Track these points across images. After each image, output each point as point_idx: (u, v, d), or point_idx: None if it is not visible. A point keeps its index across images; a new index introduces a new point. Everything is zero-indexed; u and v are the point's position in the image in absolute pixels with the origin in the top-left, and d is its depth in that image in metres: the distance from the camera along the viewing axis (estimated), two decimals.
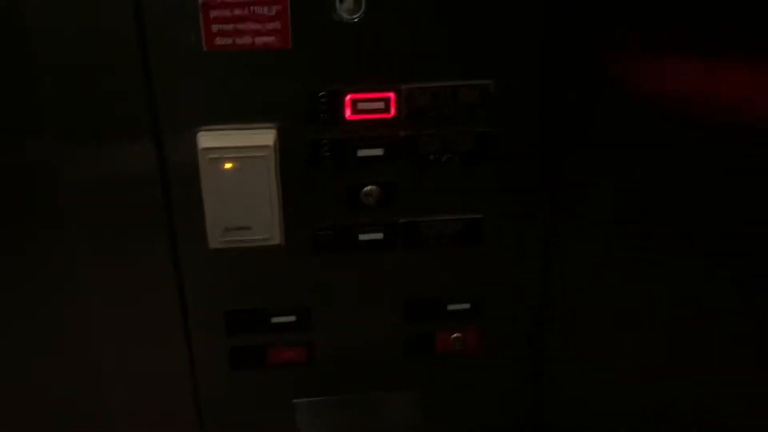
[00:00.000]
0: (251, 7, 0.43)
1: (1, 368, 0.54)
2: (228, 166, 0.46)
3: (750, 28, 0.45)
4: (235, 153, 0.46)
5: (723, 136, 0.47)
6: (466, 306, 0.56)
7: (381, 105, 0.47)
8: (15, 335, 0.53)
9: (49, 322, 0.53)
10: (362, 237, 0.52)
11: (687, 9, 0.45)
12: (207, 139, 0.46)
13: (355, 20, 0.44)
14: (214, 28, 0.44)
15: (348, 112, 0.47)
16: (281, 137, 0.47)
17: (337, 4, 0.43)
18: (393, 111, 0.48)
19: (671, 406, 0.61)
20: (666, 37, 0.47)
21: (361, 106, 0.47)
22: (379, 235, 0.52)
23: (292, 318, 0.55)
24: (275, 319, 0.54)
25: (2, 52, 0.44)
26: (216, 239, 0.49)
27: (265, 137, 0.47)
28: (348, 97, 0.47)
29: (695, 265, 0.54)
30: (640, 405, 0.61)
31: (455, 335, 0.57)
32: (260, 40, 0.44)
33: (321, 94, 0.47)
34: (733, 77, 0.48)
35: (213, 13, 0.43)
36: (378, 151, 0.49)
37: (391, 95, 0.47)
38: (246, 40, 0.44)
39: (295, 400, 0.59)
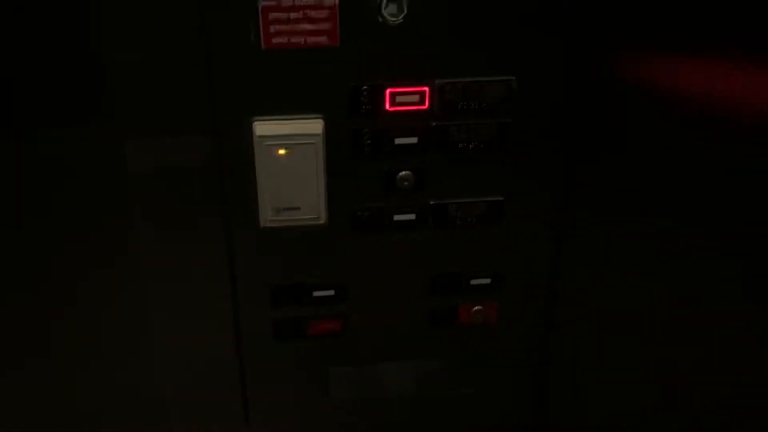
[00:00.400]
0: (305, 11, 0.49)
1: (70, 341, 0.59)
2: (281, 152, 0.52)
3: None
4: (288, 140, 0.52)
5: (728, 135, 0.53)
6: (487, 281, 0.62)
7: (416, 98, 0.53)
8: (83, 311, 0.58)
9: (110, 297, 0.58)
10: (396, 218, 0.57)
11: (705, 13, 0.51)
12: (263, 128, 0.52)
13: (397, 22, 0.49)
14: (272, 28, 0.49)
15: (387, 105, 0.53)
16: (327, 126, 0.53)
17: (382, 8, 0.49)
18: (427, 103, 0.53)
19: (674, 385, 0.67)
20: (682, 39, 0.53)
21: (399, 99, 0.53)
22: (412, 216, 0.58)
23: (330, 292, 0.60)
24: (316, 293, 0.60)
25: (79, 48, 0.49)
26: (267, 219, 0.54)
27: (314, 126, 0.52)
28: (388, 91, 0.52)
29: (705, 250, 0.60)
30: (643, 374, 0.67)
31: (476, 308, 0.63)
32: (312, 39, 0.50)
33: (364, 87, 0.52)
34: (738, 78, 0.54)
35: (272, 16, 0.49)
36: (413, 140, 0.54)
37: (426, 89, 0.53)
38: (299, 39, 0.50)
39: (330, 368, 0.64)
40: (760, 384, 0.54)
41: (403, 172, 0.56)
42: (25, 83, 0.50)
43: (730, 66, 0.55)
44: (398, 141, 0.54)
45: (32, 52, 0.49)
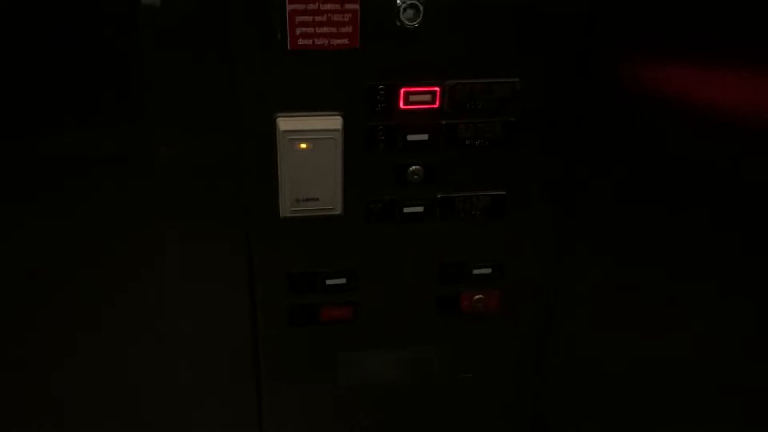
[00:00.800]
0: (329, 15, 0.53)
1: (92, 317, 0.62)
2: (303, 146, 0.56)
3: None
4: (310, 135, 0.55)
5: (723, 136, 0.58)
6: (488, 271, 0.66)
7: (428, 97, 0.57)
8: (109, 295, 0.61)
9: (134, 282, 0.61)
10: (406, 210, 0.61)
11: (702, 20, 0.56)
12: (286, 123, 0.55)
13: (413, 27, 0.53)
14: (298, 31, 0.53)
15: (401, 103, 0.57)
16: (345, 123, 0.56)
17: (401, 13, 0.53)
18: (438, 102, 0.57)
19: (672, 376, 0.71)
20: (680, 44, 0.57)
21: (412, 98, 0.57)
22: (420, 208, 0.62)
23: (342, 280, 0.64)
24: (329, 281, 0.63)
25: (113, 50, 0.53)
26: (288, 209, 0.58)
27: (334, 122, 0.56)
28: (402, 90, 0.56)
29: (700, 242, 0.64)
30: (641, 365, 0.71)
31: (478, 296, 0.67)
32: (335, 41, 0.54)
33: (380, 87, 0.56)
34: (734, 81, 0.59)
35: (298, 19, 0.52)
36: (424, 136, 0.58)
37: (437, 89, 0.57)
38: (323, 41, 0.53)
39: (339, 354, 0.68)
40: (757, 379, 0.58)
41: (414, 167, 0.60)
42: (57, 80, 0.53)
43: (726, 69, 0.59)
44: (410, 137, 0.58)
45: (65, 49, 0.52)
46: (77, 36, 0.52)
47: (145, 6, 0.51)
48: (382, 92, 0.56)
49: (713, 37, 0.59)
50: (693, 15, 0.58)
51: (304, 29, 0.53)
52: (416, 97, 0.57)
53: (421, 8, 0.53)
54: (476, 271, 0.66)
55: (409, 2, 0.52)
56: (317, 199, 0.58)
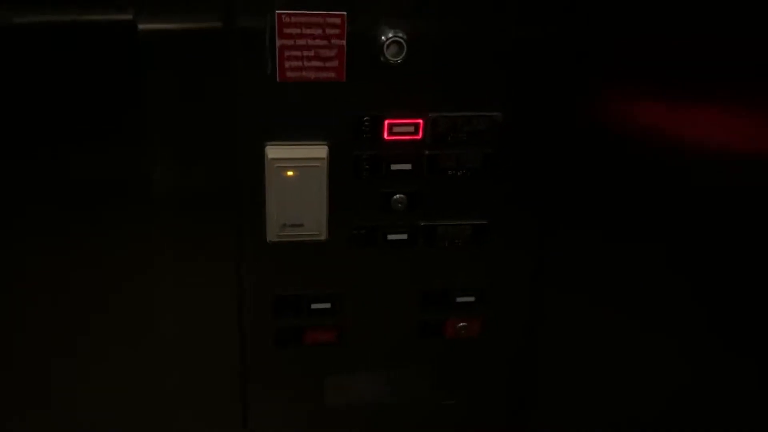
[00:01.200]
0: (317, 50, 0.55)
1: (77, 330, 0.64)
2: (290, 173, 0.58)
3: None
4: (296, 163, 0.58)
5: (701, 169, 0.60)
6: (472, 299, 0.68)
7: (411, 129, 0.60)
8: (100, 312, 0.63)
9: (124, 298, 0.63)
10: (390, 237, 0.63)
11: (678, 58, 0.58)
12: (274, 152, 0.58)
13: (397, 62, 0.56)
14: (287, 64, 0.56)
15: (386, 134, 0.59)
16: (331, 152, 0.59)
17: (385, 49, 0.55)
18: (421, 134, 0.60)
19: (650, 402, 0.73)
20: (653, 79, 0.60)
21: (396, 129, 0.59)
22: (404, 236, 0.64)
23: (327, 304, 0.65)
24: (314, 305, 0.65)
25: (121, 79, 0.55)
26: (274, 234, 0.60)
27: (320, 151, 0.58)
28: (386, 122, 0.59)
29: (675, 271, 0.66)
30: (624, 388, 0.72)
31: (461, 323, 0.69)
32: (321, 74, 0.56)
33: (365, 118, 0.59)
34: (693, 116, 0.61)
35: (287, 53, 0.55)
36: (407, 166, 0.61)
37: (420, 121, 0.59)
38: (310, 74, 0.56)
39: (326, 377, 0.69)
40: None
41: (398, 195, 0.62)
42: (56, 105, 0.56)
43: (702, 106, 0.62)
44: (394, 167, 0.61)
45: (63, 74, 0.55)
46: (75, 61, 0.54)
47: (144, 35, 0.54)
48: (367, 123, 0.59)
49: (689, 76, 0.62)
50: (669, 55, 0.61)
51: (292, 63, 0.56)
52: (400, 129, 0.60)
53: (405, 45, 0.55)
54: (459, 299, 0.68)
55: (392, 39, 0.55)
56: (302, 225, 0.60)
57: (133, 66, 0.55)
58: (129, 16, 0.54)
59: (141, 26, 0.54)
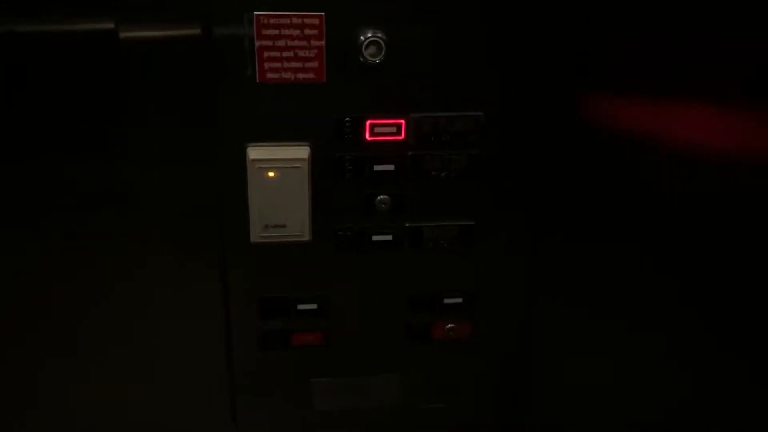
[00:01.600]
0: (296, 50, 0.56)
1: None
2: (271, 174, 0.58)
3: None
4: (278, 164, 0.58)
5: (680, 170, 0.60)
6: (459, 300, 0.67)
7: (394, 129, 0.59)
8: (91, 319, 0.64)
9: (110, 300, 0.64)
10: (375, 238, 0.63)
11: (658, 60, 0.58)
12: (255, 153, 0.58)
13: (376, 62, 0.56)
14: (266, 65, 0.56)
15: (367, 135, 0.59)
16: (313, 153, 0.59)
17: (363, 50, 0.55)
18: (403, 134, 0.60)
19: (642, 401, 0.72)
20: (636, 81, 0.60)
21: (378, 130, 0.59)
22: (389, 237, 0.63)
23: (313, 306, 0.65)
24: (300, 306, 0.65)
25: (103, 86, 0.56)
26: (257, 235, 0.60)
27: (301, 152, 0.58)
28: (368, 122, 0.59)
29: (661, 274, 0.65)
30: (613, 391, 0.71)
31: (449, 325, 0.68)
32: (301, 75, 0.56)
33: (346, 119, 0.58)
34: (681, 117, 0.61)
35: (266, 54, 0.55)
36: (390, 167, 0.61)
37: (402, 122, 0.59)
38: (290, 75, 0.56)
39: (312, 379, 0.69)
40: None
41: (381, 196, 0.62)
42: (41, 115, 0.57)
43: (680, 109, 0.61)
44: (377, 168, 0.60)
45: (46, 84, 0.56)
46: (57, 70, 0.55)
47: (125, 41, 0.55)
48: (348, 124, 0.59)
49: (678, 76, 0.61)
50: (657, 56, 0.60)
51: (272, 64, 0.56)
52: (382, 129, 0.59)
53: (384, 45, 0.55)
54: (447, 301, 0.67)
55: (371, 39, 0.55)
56: (285, 226, 0.60)
57: (115, 73, 0.55)
58: (111, 25, 0.55)
59: (122, 35, 0.55)
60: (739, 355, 0.70)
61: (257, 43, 0.55)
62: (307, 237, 0.61)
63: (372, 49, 0.56)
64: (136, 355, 0.66)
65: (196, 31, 0.55)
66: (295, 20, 0.55)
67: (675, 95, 0.61)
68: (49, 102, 0.56)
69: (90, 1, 0.54)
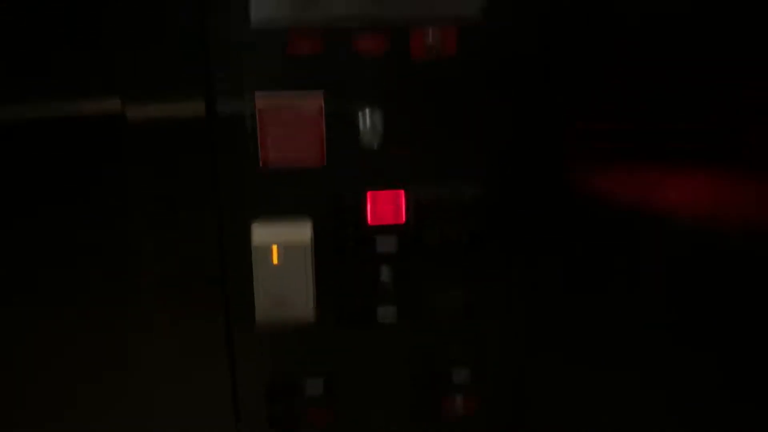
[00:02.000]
0: (297, 136, 0.57)
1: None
2: (274, 255, 0.59)
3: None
4: (282, 244, 0.59)
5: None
6: (464, 375, 0.67)
7: (394, 205, 0.61)
8: None
9: (114, 400, 0.63)
10: (379, 313, 0.63)
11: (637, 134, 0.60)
12: (259, 234, 0.59)
13: (374, 147, 0.58)
14: (269, 149, 0.57)
15: (369, 211, 0.60)
16: (316, 232, 0.60)
17: (362, 135, 0.57)
18: (404, 210, 0.61)
19: None
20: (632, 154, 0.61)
21: (379, 206, 0.60)
22: (393, 311, 0.63)
23: (320, 385, 0.65)
24: (307, 386, 0.65)
25: (107, 166, 0.58)
26: (262, 315, 0.60)
27: (304, 232, 0.59)
28: (369, 200, 0.60)
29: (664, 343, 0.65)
30: None
31: (455, 400, 0.67)
32: (302, 157, 0.58)
33: (347, 197, 0.60)
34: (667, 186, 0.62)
35: (269, 140, 0.57)
36: (392, 242, 0.61)
37: (402, 198, 0.60)
38: (292, 157, 0.58)
39: None
40: None
41: (384, 271, 0.62)
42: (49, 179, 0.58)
43: (667, 176, 0.63)
44: (379, 244, 0.61)
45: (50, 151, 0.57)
46: (64, 150, 0.57)
47: (131, 123, 0.57)
48: (349, 202, 0.60)
49: (676, 144, 0.63)
50: (648, 129, 0.62)
51: (274, 147, 0.57)
52: (383, 206, 0.61)
53: (381, 128, 0.57)
54: (452, 376, 0.67)
55: (369, 125, 0.57)
56: (290, 306, 0.60)
57: (119, 153, 0.57)
58: (117, 106, 0.56)
59: (129, 115, 0.56)
60: (744, 399, 0.69)
61: (258, 126, 0.57)
62: (312, 317, 0.61)
63: (370, 135, 0.57)
64: None
65: (200, 111, 0.57)
66: (295, 102, 0.57)
67: (682, 163, 0.62)
68: (53, 182, 0.57)
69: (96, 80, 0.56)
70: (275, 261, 0.59)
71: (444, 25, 0.57)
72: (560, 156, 0.61)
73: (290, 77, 0.57)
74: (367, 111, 0.57)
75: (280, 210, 0.59)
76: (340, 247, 0.61)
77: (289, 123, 0.57)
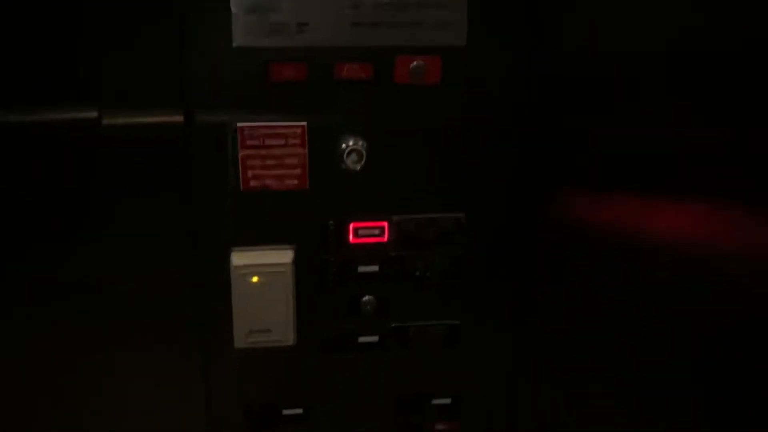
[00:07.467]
0: (279, 159, 0.57)
1: None
2: (254, 279, 0.58)
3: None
4: (261, 269, 0.58)
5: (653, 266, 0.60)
6: (447, 401, 0.66)
7: (377, 231, 0.60)
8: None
9: (89, 408, 0.62)
10: (361, 339, 0.63)
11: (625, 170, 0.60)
12: (239, 258, 0.58)
13: (357, 169, 0.58)
14: (250, 173, 0.57)
15: (351, 237, 0.60)
16: (298, 256, 0.59)
17: (344, 158, 0.57)
18: (386, 236, 0.60)
19: None
20: (605, 183, 0.61)
21: (361, 232, 0.60)
22: (375, 338, 0.63)
23: (299, 411, 0.64)
24: (286, 412, 0.64)
25: (84, 177, 0.57)
26: (241, 340, 0.60)
27: (285, 256, 0.59)
28: (351, 226, 0.60)
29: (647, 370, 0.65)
30: None
31: (438, 427, 0.67)
32: (284, 182, 0.58)
33: (330, 222, 0.59)
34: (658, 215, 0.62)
35: (249, 163, 0.57)
36: (374, 268, 0.61)
37: (385, 224, 0.60)
38: (273, 182, 0.58)
39: None
40: None
41: (366, 297, 0.62)
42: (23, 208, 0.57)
43: (647, 206, 0.63)
44: (361, 269, 0.61)
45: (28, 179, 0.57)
46: (40, 158, 0.56)
47: (110, 144, 0.56)
48: (331, 227, 0.60)
49: (645, 178, 0.63)
50: (615, 163, 0.62)
51: (255, 172, 0.57)
52: (365, 232, 0.60)
53: (364, 152, 0.57)
54: (436, 402, 0.66)
55: (351, 147, 0.57)
56: (270, 331, 0.60)
57: (96, 176, 0.57)
58: (94, 114, 0.56)
59: (107, 135, 0.56)
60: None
61: (241, 153, 0.57)
62: (292, 341, 0.61)
63: (354, 157, 0.57)
64: None
65: (178, 132, 0.56)
66: (278, 130, 0.57)
67: (658, 191, 0.62)
68: (29, 191, 0.57)
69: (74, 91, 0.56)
70: (254, 285, 0.58)
71: (428, 55, 0.57)
72: (543, 184, 0.61)
73: (273, 103, 0.57)
74: (350, 137, 0.57)
75: (261, 234, 0.59)
76: (323, 270, 0.60)
77: (271, 148, 0.57)
